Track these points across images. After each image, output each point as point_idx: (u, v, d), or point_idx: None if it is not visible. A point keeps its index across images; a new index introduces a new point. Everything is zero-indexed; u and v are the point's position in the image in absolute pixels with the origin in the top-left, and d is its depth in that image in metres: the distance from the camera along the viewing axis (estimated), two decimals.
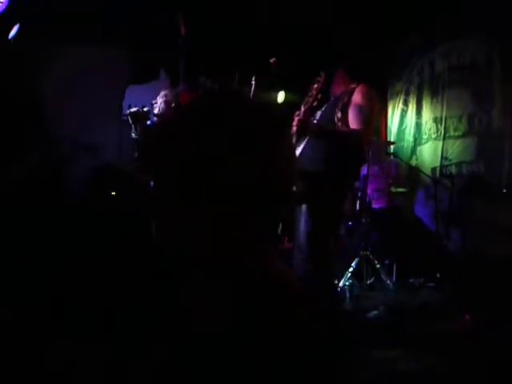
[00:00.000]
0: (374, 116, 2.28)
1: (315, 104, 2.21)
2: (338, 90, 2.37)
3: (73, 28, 3.84)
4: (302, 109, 2.18)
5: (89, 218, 3.54)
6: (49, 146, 3.77)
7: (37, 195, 3.26)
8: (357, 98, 2.20)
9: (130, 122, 2.93)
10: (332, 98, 2.35)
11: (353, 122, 2.17)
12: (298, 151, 2.23)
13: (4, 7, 2.71)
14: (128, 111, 2.93)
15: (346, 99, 2.21)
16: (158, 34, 4.42)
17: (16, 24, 3.11)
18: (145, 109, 2.96)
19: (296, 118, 2.10)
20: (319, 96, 2.24)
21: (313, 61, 2.50)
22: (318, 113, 2.30)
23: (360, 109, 2.17)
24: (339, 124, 2.18)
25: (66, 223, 3.35)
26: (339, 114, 2.18)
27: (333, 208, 2.19)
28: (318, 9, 4.16)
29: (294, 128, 2.10)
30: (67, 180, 3.84)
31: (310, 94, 2.28)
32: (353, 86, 2.27)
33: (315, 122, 2.22)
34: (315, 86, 2.26)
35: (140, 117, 2.91)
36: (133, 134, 2.96)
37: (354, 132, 2.16)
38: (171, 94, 3.00)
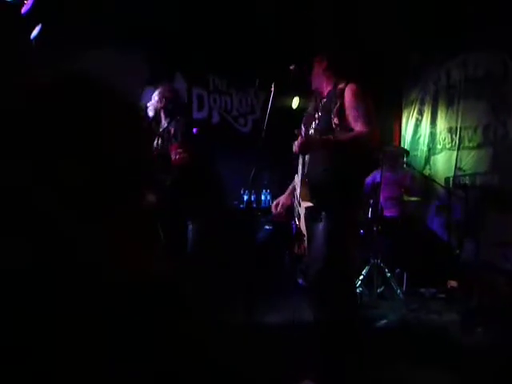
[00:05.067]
0: (374, 113, 2.11)
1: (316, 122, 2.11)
2: (320, 84, 2.25)
3: (92, 30, 3.89)
4: (303, 129, 2.08)
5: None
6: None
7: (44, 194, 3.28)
8: (349, 98, 2.07)
9: None
10: (321, 104, 2.21)
11: (355, 125, 2.06)
12: (302, 167, 2.15)
13: (28, 7, 2.76)
14: None
15: (338, 103, 2.08)
16: (175, 36, 4.48)
17: (38, 24, 3.16)
18: None
19: (298, 140, 2.00)
20: (317, 115, 2.14)
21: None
22: (313, 123, 2.18)
23: (357, 109, 2.05)
24: (337, 130, 2.07)
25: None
26: (336, 120, 2.07)
27: (348, 216, 2.13)
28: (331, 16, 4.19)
29: (296, 149, 2.02)
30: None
31: (307, 113, 2.21)
32: (340, 86, 2.12)
33: (316, 136, 2.10)
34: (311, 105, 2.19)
35: None
36: None
37: (361, 134, 2.04)
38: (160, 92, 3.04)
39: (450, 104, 4.78)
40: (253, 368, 0.57)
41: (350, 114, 2.07)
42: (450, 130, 4.77)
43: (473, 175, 4.42)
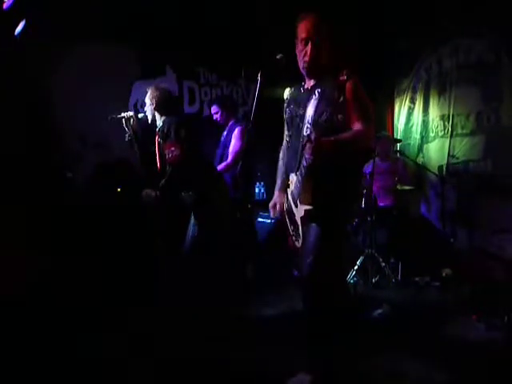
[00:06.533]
0: (372, 110, 2.07)
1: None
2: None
3: (80, 25, 3.84)
4: (308, 131, 1.98)
5: (95, 213, 3.56)
6: (56, 144, 3.80)
7: (44, 192, 3.28)
8: (353, 93, 2.00)
9: (124, 125, 3.12)
10: (317, 93, 2.10)
11: (354, 122, 2.01)
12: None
13: (10, 3, 2.71)
14: (120, 115, 3.11)
15: (341, 98, 1.96)
16: (165, 30, 4.43)
17: (22, 20, 3.11)
18: (130, 113, 3.16)
19: (308, 145, 1.90)
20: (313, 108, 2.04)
21: None
22: (309, 118, 2.07)
23: (358, 105, 2.00)
24: (341, 126, 1.99)
25: (71, 219, 3.37)
26: (340, 117, 1.97)
27: (344, 214, 2.14)
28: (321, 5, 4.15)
29: (308, 156, 1.92)
30: (75, 176, 3.87)
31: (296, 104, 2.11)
32: (342, 77, 1.98)
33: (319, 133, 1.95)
34: None
35: (129, 121, 3.14)
36: (127, 136, 3.14)
37: (360, 133, 2.00)
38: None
39: (442, 91, 4.76)
40: (249, 361, 0.56)
41: (355, 109, 2.01)
42: (442, 118, 4.75)
43: (466, 162, 4.41)
